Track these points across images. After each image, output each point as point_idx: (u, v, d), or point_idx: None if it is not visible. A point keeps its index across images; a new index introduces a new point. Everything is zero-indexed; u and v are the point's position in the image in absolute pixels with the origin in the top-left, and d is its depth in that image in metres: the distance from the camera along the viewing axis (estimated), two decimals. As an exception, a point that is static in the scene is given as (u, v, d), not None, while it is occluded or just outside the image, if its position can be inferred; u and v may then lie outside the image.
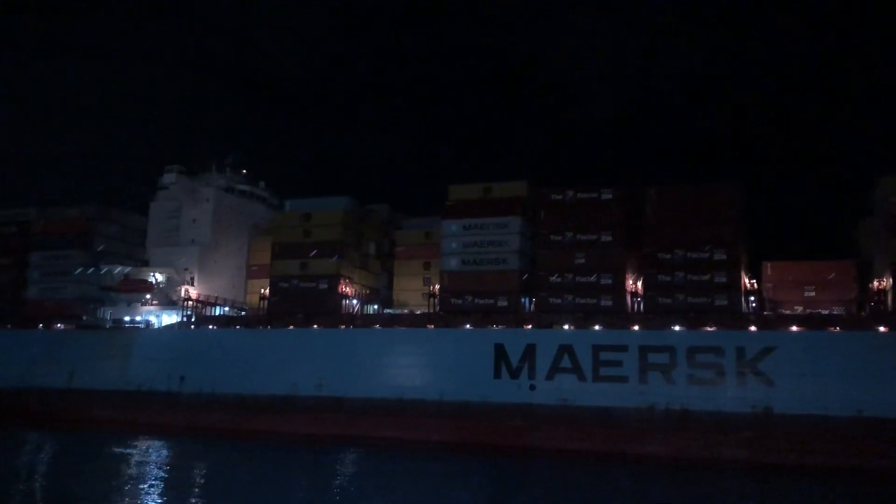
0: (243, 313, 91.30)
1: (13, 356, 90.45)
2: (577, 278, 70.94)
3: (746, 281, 69.49)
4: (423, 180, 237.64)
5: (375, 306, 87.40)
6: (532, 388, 68.61)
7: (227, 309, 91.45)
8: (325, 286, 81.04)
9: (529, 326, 71.63)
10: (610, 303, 69.97)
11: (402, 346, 74.33)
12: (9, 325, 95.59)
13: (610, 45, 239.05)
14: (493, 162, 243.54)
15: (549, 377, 68.21)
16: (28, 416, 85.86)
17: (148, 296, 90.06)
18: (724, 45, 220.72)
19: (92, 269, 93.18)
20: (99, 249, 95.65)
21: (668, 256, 68.62)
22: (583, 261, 70.95)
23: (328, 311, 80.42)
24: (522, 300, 74.68)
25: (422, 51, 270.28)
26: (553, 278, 71.73)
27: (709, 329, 65.98)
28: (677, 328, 66.81)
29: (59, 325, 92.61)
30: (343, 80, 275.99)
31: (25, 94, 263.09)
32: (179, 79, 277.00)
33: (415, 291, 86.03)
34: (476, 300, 74.34)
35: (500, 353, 70.15)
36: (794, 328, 64.20)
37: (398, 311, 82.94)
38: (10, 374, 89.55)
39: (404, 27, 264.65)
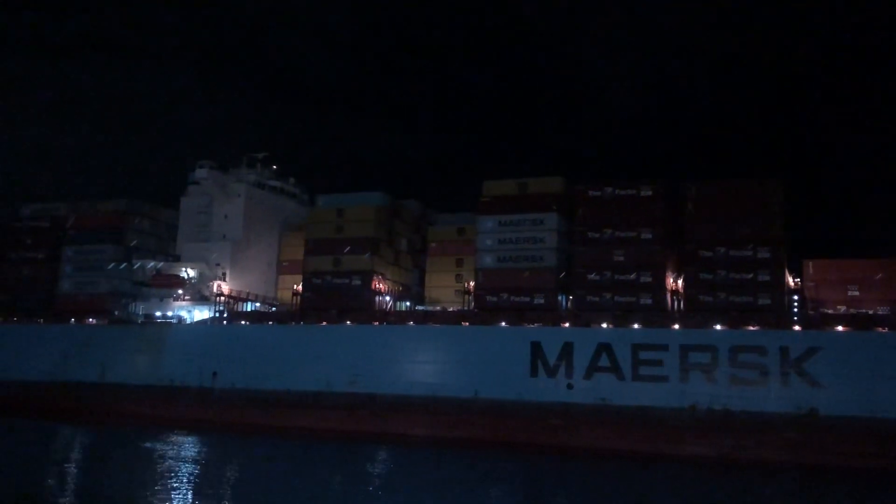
0: (273, 309, 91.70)
1: (46, 350, 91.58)
2: (616, 276, 70.47)
3: (790, 280, 68.63)
4: (454, 176, 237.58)
5: (407, 303, 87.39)
6: (570, 386, 68.31)
7: (258, 305, 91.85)
8: (359, 282, 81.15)
9: (566, 324, 71.26)
10: (650, 301, 69.43)
11: (436, 343, 74.27)
12: (41, 320, 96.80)
13: (641, 38, 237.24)
14: (525, 158, 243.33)
15: (588, 376, 67.88)
16: (60, 410, 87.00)
17: (180, 291, 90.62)
18: (762, 32, 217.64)
19: (125, 264, 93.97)
20: (132, 244, 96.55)
21: (710, 254, 67.98)
22: (622, 258, 70.45)
23: (361, 307, 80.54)
24: (559, 298, 74.29)
25: (452, 46, 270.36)
26: (591, 276, 71.30)
27: (751, 328, 65.32)
28: (719, 327, 66.15)
29: (90, 319, 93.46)
30: (371, 76, 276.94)
31: (56, 91, 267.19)
32: (207, 76, 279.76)
33: (447, 288, 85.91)
34: (512, 298, 74.08)
35: (536, 351, 69.89)
36: (840, 328, 63.38)
37: (431, 308, 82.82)
38: (43, 368, 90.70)
39: (434, 24, 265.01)
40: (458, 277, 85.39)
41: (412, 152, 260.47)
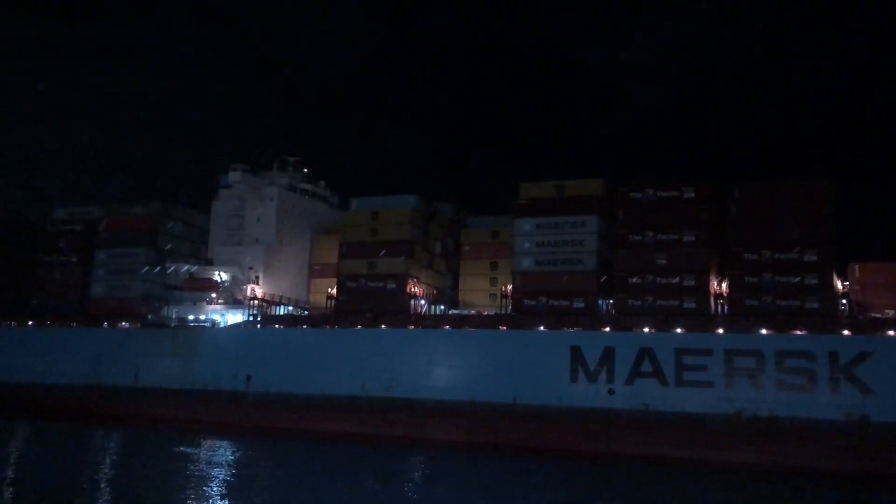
0: (306, 313, 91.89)
1: (79, 354, 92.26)
2: (658, 279, 69.81)
3: (839, 283, 67.62)
4: (486, 179, 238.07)
5: (441, 307, 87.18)
6: (611, 392, 67.70)
7: (290, 308, 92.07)
8: (394, 286, 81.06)
9: (607, 329, 70.70)
10: (693, 305, 68.68)
11: (473, 347, 73.96)
12: (73, 323, 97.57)
13: (685, 35, 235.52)
14: (557, 161, 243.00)
15: (629, 381, 67.24)
16: (94, 414, 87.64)
17: (213, 294, 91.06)
18: (809, 28, 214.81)
19: (158, 268, 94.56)
20: (167, 248, 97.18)
21: (755, 257, 67.17)
22: (664, 261, 69.80)
23: (396, 310, 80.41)
24: (599, 302, 73.74)
25: (483, 47, 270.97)
26: (632, 279, 70.68)
27: (799, 333, 64.38)
28: (765, 331, 65.30)
29: (123, 323, 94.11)
30: (400, 79, 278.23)
31: (87, 96, 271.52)
32: (236, 82, 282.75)
33: (481, 292, 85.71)
34: (550, 301, 73.62)
35: (576, 355, 69.36)
36: (892, 333, 62.29)
37: (467, 312, 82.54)
38: (76, 372, 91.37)
39: (467, 26, 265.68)
40: (493, 281, 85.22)
41: (444, 155, 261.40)
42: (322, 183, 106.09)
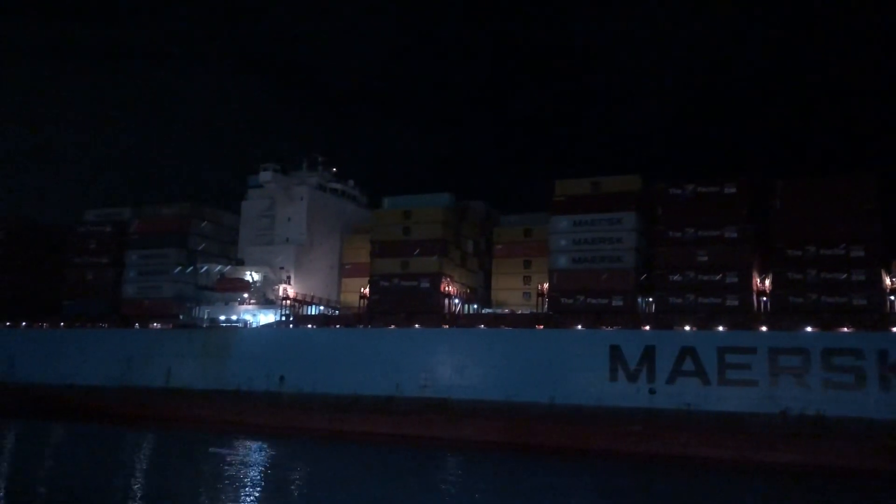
0: (336, 312, 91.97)
1: (111, 355, 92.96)
2: (700, 277, 69.02)
3: (887, 279, 66.48)
4: (516, 177, 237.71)
5: (475, 306, 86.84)
6: (652, 391, 67.08)
7: (321, 308, 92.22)
8: (427, 285, 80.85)
9: (647, 327, 70.05)
10: (736, 302, 67.84)
11: (509, 346, 73.59)
12: (104, 324, 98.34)
13: (723, 26, 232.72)
14: (587, 159, 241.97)
15: (671, 380, 66.59)
16: (126, 415, 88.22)
17: (245, 295, 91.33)
18: (850, 20, 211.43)
19: (191, 268, 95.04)
20: (200, 248, 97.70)
21: (799, 253, 66.21)
22: (705, 258, 68.98)
23: (430, 310, 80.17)
24: (638, 300, 73.09)
25: (509, 46, 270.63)
26: (673, 277, 69.95)
27: (846, 330, 63.41)
28: (810, 329, 64.36)
29: (155, 324, 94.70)
30: (424, 78, 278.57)
31: (113, 100, 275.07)
32: (259, 84, 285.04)
33: (514, 290, 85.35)
34: (588, 300, 73.05)
35: (615, 355, 68.81)
36: (944, 329, 61.24)
37: (500, 311, 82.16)
38: (108, 373, 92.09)
39: (497, 23, 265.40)
40: (526, 279, 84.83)
41: (472, 154, 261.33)
42: (351, 182, 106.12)
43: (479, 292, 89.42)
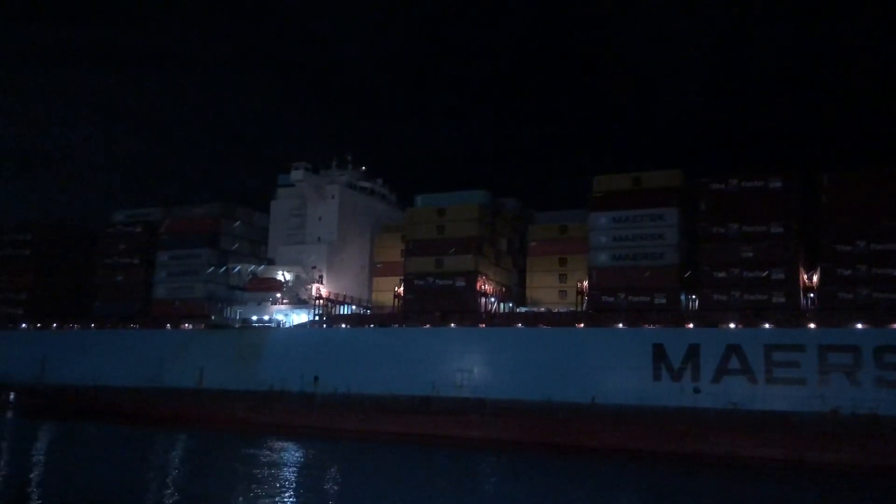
0: (368, 312, 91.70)
1: (142, 356, 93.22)
2: (745, 273, 68.03)
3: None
4: (548, 174, 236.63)
5: (510, 304, 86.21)
6: (696, 390, 66.18)
7: (353, 307, 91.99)
8: (463, 284, 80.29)
9: (690, 325, 69.13)
10: (782, 299, 66.78)
11: (549, 345, 72.91)
12: (134, 325, 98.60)
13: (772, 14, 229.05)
14: (617, 155, 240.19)
15: (716, 379, 65.67)
16: (158, 417, 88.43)
17: (278, 295, 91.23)
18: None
19: (224, 268, 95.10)
20: (233, 248, 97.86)
21: (848, 248, 65.09)
22: (751, 254, 67.96)
23: (466, 309, 79.59)
24: (681, 297, 72.19)
25: (542, 42, 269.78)
26: (717, 274, 68.99)
27: (899, 326, 62.25)
28: (861, 326, 63.20)
29: (186, 324, 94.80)
30: (452, 74, 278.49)
31: (139, 102, 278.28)
32: (283, 85, 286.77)
33: (550, 288, 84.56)
34: (630, 297, 72.22)
35: (658, 353, 67.98)
36: None
37: (536, 309, 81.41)
38: (140, 374, 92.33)
39: (531, 20, 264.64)
40: (562, 277, 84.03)
41: (503, 151, 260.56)
42: (379, 180, 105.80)
43: (513, 291, 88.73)
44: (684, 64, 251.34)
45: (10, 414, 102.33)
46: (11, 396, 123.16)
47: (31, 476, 49.54)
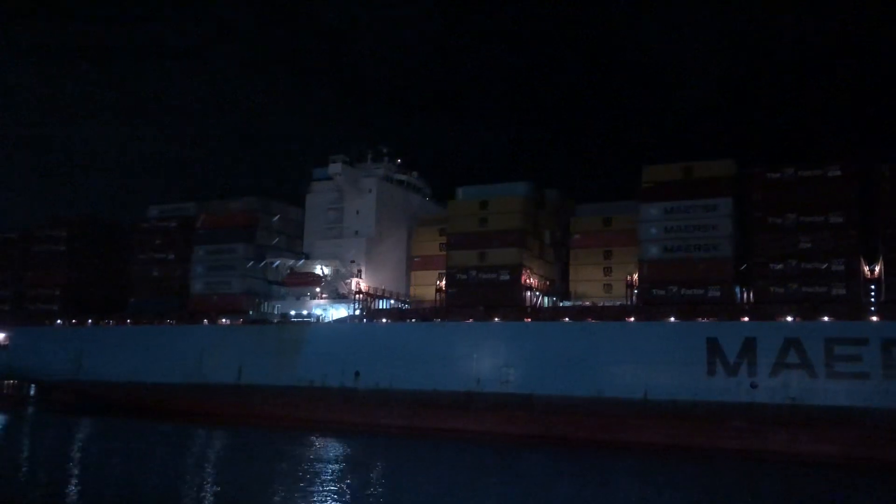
0: (406, 306, 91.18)
1: (180, 352, 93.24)
2: (803, 265, 66.66)
3: None
4: (589, 165, 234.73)
5: (553, 298, 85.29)
6: (753, 385, 65.02)
7: (392, 302, 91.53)
8: (507, 277, 79.39)
9: (745, 319, 67.93)
10: (843, 291, 65.31)
11: (598, 340, 71.96)
12: (171, 321, 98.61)
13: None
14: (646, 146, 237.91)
15: (774, 374, 64.46)
16: (197, 413, 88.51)
17: (317, 289, 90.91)
18: None
19: (264, 263, 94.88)
20: (274, 243, 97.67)
21: (913, 239, 63.60)
22: (809, 245, 66.58)
23: (511, 303, 78.69)
24: (735, 290, 70.96)
25: (576, 35, 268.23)
26: (774, 265, 67.70)
27: (967, 319, 60.79)
28: (926, 318, 61.84)
29: (224, 319, 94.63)
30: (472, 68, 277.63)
31: (180, 99, 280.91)
32: (311, 82, 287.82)
33: (594, 282, 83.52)
34: (682, 290, 71.06)
35: (713, 347, 66.82)
36: None
37: (584, 303, 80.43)
38: (178, 370, 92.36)
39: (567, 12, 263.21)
40: (607, 270, 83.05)
41: (545, 144, 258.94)
42: (414, 173, 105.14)
43: (556, 284, 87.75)
44: (727, 52, 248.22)
45: (30, 409, 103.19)
46: (32, 391, 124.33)
47: (71, 473, 49.43)
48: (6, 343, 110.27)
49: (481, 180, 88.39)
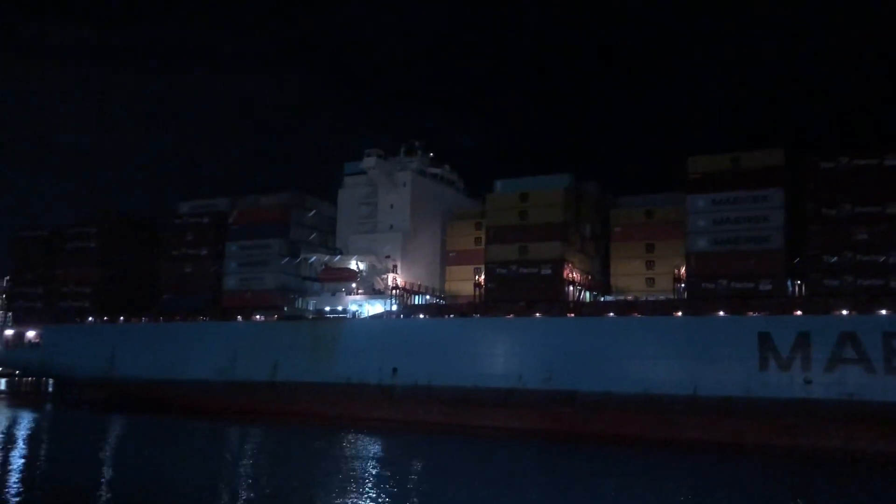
0: (442, 301, 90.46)
1: (213, 349, 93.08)
2: (859, 257, 65.21)
3: None
4: (631, 157, 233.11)
5: (594, 293, 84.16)
6: (808, 381, 63.72)
7: (427, 297, 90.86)
8: (549, 271, 78.32)
9: (798, 312, 66.58)
10: (902, 284, 63.93)
11: (645, 335, 70.88)
12: (203, 317, 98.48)
13: None
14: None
15: (829, 369, 63.12)
16: (231, 410, 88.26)
17: (353, 285, 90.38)
18: None
19: (299, 259, 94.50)
20: (310, 239, 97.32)
21: (975, 230, 61.94)
22: (865, 237, 65.09)
23: (553, 298, 77.66)
24: (787, 283, 69.60)
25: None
26: (828, 258, 66.26)
27: None
28: None
29: (258, 316, 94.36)
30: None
31: (218, 98, 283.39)
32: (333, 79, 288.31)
33: (636, 276, 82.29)
34: (732, 284, 69.78)
35: (765, 342, 65.59)
36: None
37: (628, 298, 79.17)
38: (211, 367, 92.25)
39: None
40: (649, 264, 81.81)
41: (584, 136, 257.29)
42: (446, 167, 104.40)
43: (596, 279, 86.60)
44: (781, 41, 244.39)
45: (48, 406, 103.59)
46: (50, 386, 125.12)
47: (108, 470, 49.14)
48: (38, 341, 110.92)
49: (513, 174, 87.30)
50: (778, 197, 69.76)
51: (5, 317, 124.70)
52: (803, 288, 69.30)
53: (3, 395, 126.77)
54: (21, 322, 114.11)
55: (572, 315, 76.38)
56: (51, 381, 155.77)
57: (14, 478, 45.23)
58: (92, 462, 51.82)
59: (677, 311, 71.49)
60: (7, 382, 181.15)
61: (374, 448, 63.67)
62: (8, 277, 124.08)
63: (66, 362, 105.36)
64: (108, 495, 41.14)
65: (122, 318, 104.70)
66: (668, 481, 49.75)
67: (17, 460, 52.53)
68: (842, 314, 64.51)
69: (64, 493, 41.41)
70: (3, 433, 66.93)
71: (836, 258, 65.74)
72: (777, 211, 69.66)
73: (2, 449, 57.47)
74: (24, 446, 60.68)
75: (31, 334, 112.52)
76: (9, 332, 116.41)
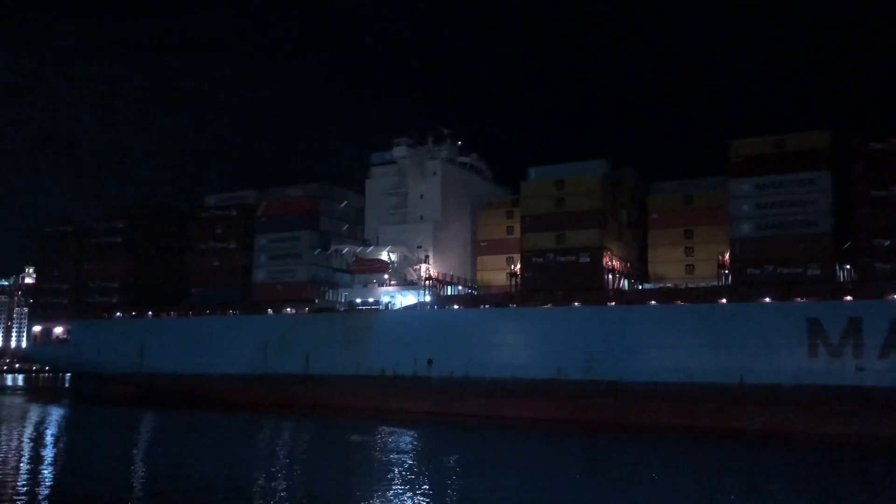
0: (475, 291, 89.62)
1: (245, 342, 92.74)
2: (912, 239, 63.93)
3: None
4: (667, 142, 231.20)
5: (632, 280, 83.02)
6: (860, 368, 62.54)
7: (459, 287, 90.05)
8: (587, 259, 77.27)
9: (849, 298, 65.32)
10: (958, 267, 62.60)
11: (689, 323, 69.82)
12: (233, 311, 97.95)
13: None
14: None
15: (883, 355, 61.96)
16: (264, 404, 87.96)
17: (385, 276, 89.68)
18: None
19: (332, 250, 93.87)
20: (342, 230, 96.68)
21: None
22: (917, 218, 63.81)
23: (592, 286, 76.60)
24: (836, 267, 68.32)
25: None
26: (878, 241, 64.93)
27: None
28: None
29: (289, 308, 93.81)
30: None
31: (248, 95, 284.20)
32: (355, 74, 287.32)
33: (675, 263, 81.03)
34: (779, 269, 68.56)
35: (814, 328, 64.47)
36: None
37: (669, 285, 78.00)
38: (243, 361, 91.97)
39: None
40: (688, 250, 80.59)
41: (621, 120, 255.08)
42: (474, 155, 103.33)
43: (633, 266, 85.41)
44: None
45: (65, 401, 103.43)
46: (67, 381, 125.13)
47: (143, 466, 48.55)
48: (66, 337, 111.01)
49: (542, 162, 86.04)
50: (824, 180, 68.46)
51: (30, 313, 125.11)
52: (853, 272, 67.94)
53: (21, 392, 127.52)
54: (48, 318, 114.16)
55: (613, 304, 75.34)
56: (67, 376, 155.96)
57: (47, 471, 45.28)
58: (125, 457, 51.30)
59: (722, 298, 70.34)
60: (24, 378, 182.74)
61: (413, 440, 62.73)
62: (33, 271, 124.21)
63: (94, 358, 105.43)
64: (142, 490, 40.59)
65: (150, 312, 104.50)
66: (727, 475, 48.70)
67: (54, 455, 52.36)
68: (894, 298, 63.23)
69: (106, 486, 40.95)
70: (33, 430, 66.72)
71: (888, 241, 64.37)
72: (824, 194, 68.34)
73: (32, 444, 57.31)
74: (63, 441, 60.62)
75: (58, 330, 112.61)
76: (37, 328, 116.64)
